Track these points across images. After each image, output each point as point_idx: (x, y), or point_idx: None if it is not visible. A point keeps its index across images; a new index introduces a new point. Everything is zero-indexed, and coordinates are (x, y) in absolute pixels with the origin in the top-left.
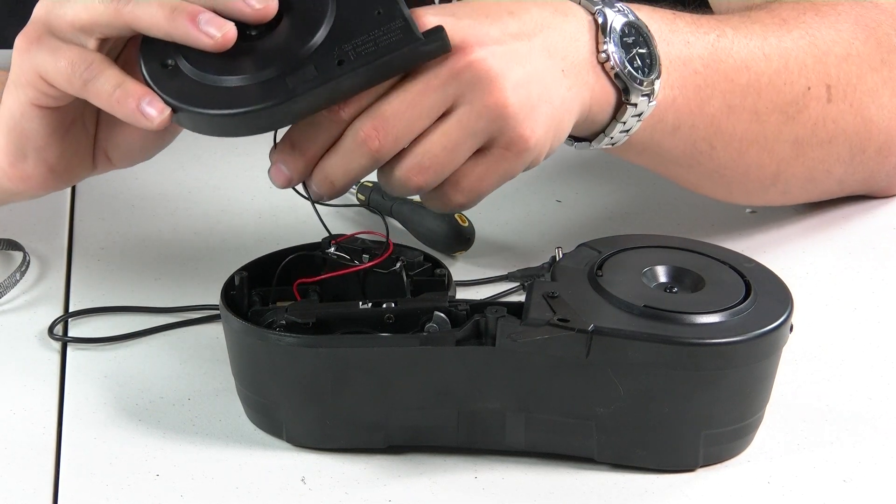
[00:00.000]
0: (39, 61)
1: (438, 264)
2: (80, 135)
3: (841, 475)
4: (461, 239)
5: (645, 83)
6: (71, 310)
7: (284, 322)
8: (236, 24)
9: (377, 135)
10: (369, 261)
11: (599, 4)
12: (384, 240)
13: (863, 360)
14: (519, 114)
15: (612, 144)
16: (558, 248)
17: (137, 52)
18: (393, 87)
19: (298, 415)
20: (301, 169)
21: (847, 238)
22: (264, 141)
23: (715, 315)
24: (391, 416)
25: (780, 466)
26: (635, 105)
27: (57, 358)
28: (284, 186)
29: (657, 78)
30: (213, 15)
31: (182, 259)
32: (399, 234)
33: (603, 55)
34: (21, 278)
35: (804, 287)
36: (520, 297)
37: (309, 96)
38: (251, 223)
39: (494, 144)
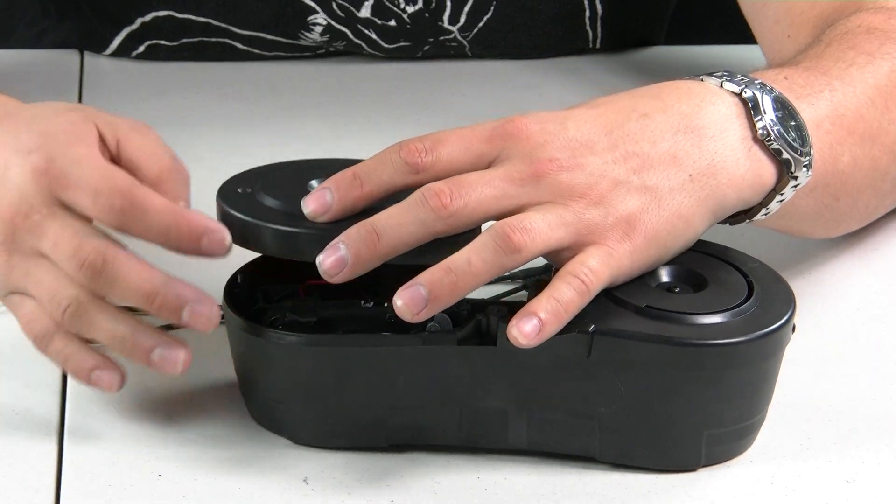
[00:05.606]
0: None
1: None
2: None
3: (844, 475)
4: None
5: (806, 155)
6: None
7: (286, 320)
8: None
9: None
10: None
11: (742, 83)
12: None
13: (866, 360)
14: (599, 223)
15: (765, 216)
16: None
17: None
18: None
19: (300, 413)
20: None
21: (850, 238)
22: (267, 141)
23: (717, 315)
24: (392, 415)
25: (783, 467)
26: (796, 178)
27: None
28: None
29: (811, 148)
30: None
31: (184, 259)
32: None
33: (762, 132)
34: None
35: (807, 287)
36: (522, 298)
37: None
38: None
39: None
